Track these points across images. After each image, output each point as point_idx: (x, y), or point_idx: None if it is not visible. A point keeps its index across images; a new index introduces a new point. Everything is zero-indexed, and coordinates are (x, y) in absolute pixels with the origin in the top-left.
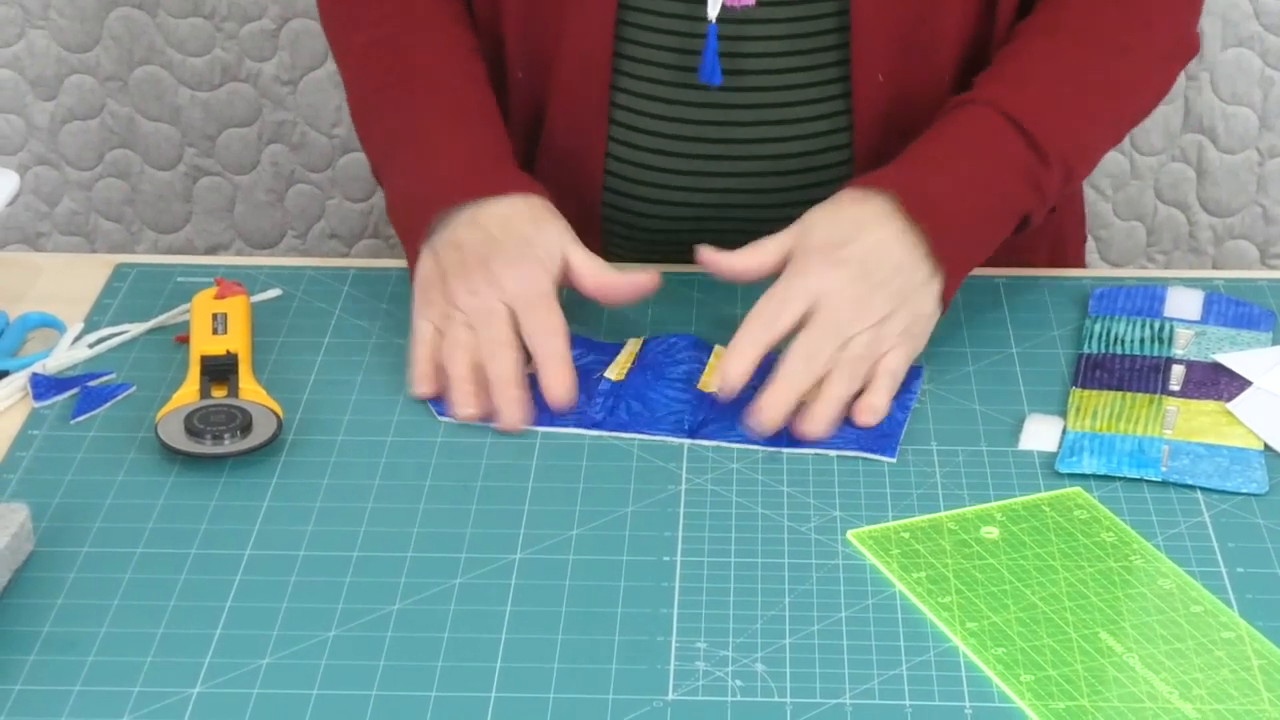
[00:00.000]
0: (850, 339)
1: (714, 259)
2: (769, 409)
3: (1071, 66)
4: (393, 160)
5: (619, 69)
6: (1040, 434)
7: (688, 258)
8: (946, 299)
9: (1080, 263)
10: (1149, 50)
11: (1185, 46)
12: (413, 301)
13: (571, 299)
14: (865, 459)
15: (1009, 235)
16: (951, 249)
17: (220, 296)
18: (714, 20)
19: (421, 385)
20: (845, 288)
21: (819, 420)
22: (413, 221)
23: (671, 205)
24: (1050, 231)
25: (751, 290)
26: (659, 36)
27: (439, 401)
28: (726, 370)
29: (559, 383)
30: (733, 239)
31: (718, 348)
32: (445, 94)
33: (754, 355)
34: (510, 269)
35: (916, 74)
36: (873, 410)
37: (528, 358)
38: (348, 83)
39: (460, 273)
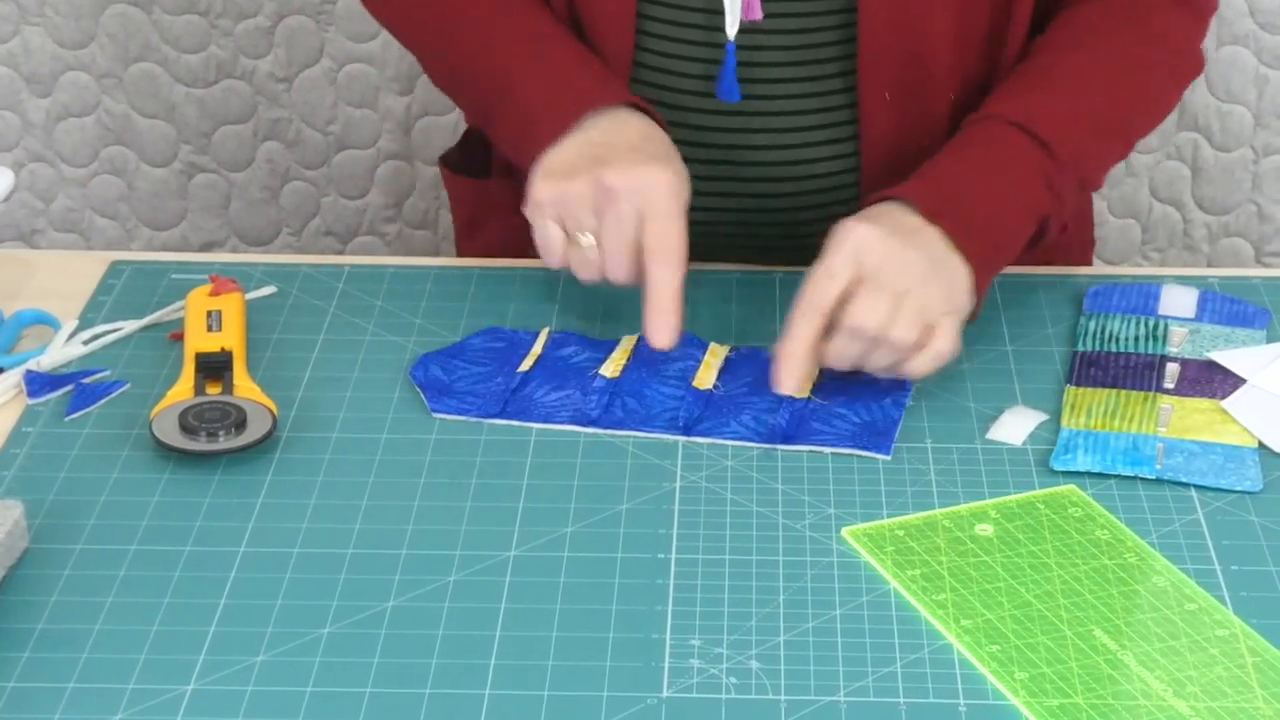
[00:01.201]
0: (901, 299)
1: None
2: (789, 376)
3: (1079, 79)
4: (534, 63)
5: (638, 78)
6: (1009, 426)
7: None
8: (979, 296)
9: (1086, 263)
10: (1158, 67)
11: (1192, 64)
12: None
13: (568, 294)
14: (860, 456)
15: (1029, 240)
16: (975, 245)
17: (215, 293)
18: (732, 39)
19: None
20: (884, 238)
21: (841, 363)
22: (565, 111)
23: None
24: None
25: (748, 290)
26: (678, 46)
27: (434, 397)
28: (781, 376)
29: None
30: (740, 245)
31: (713, 345)
32: (550, 22)
33: (806, 352)
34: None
35: (919, 92)
36: (907, 374)
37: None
38: (438, 18)
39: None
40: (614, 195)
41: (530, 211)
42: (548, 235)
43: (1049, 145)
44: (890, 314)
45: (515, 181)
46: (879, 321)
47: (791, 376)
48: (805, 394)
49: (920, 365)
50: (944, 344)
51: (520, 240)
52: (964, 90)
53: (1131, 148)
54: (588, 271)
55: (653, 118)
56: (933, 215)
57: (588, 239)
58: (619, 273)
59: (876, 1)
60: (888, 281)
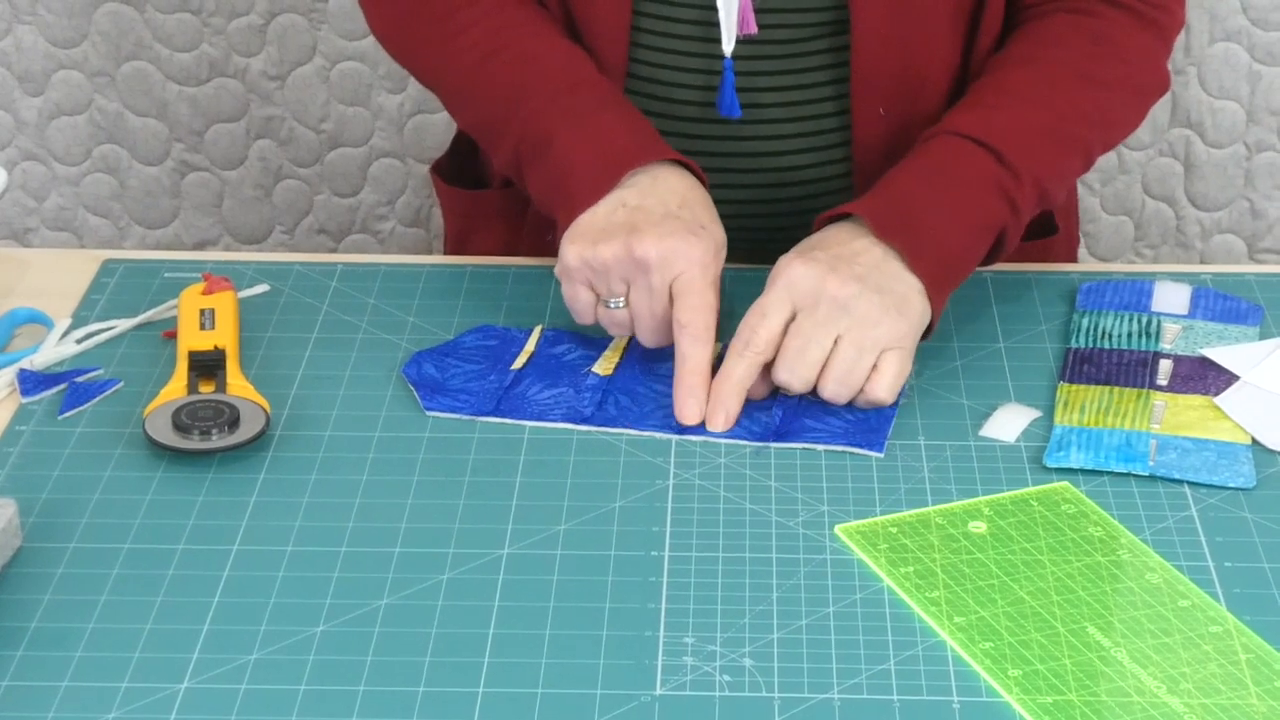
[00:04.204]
0: (837, 341)
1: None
2: (716, 410)
3: (1037, 93)
4: (572, 122)
5: (631, 89)
6: (1002, 423)
7: None
8: (934, 312)
9: (1072, 260)
10: (1117, 84)
11: (1156, 81)
12: (568, 244)
13: (561, 292)
14: (853, 454)
15: (987, 254)
16: (928, 262)
17: (208, 292)
18: (729, 55)
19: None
20: (821, 275)
21: (799, 386)
22: (602, 173)
23: None
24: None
25: (740, 288)
26: (673, 57)
27: (427, 395)
28: (712, 415)
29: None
30: (735, 247)
31: None
32: (589, 66)
33: (737, 390)
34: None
35: (912, 102)
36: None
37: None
38: (457, 54)
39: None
40: (645, 266)
41: (560, 274)
42: (577, 298)
43: (1003, 156)
44: (811, 370)
45: (511, 190)
46: (802, 380)
47: (720, 412)
48: (730, 426)
49: (860, 405)
50: (883, 387)
51: (515, 249)
52: (955, 93)
53: (1091, 164)
54: (618, 330)
55: (692, 171)
56: (885, 234)
57: (618, 303)
58: (648, 339)
59: (870, 19)
60: (821, 325)
